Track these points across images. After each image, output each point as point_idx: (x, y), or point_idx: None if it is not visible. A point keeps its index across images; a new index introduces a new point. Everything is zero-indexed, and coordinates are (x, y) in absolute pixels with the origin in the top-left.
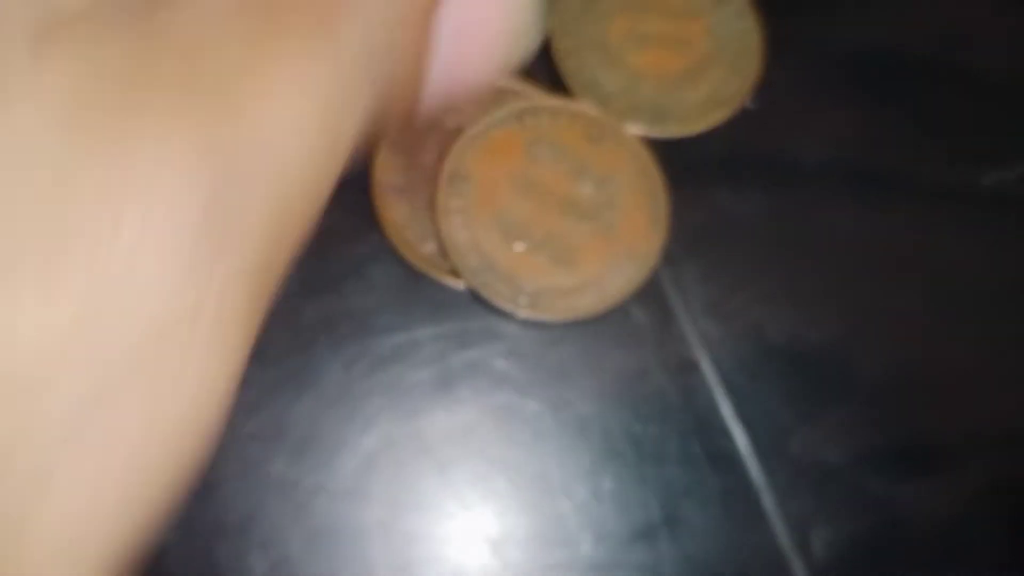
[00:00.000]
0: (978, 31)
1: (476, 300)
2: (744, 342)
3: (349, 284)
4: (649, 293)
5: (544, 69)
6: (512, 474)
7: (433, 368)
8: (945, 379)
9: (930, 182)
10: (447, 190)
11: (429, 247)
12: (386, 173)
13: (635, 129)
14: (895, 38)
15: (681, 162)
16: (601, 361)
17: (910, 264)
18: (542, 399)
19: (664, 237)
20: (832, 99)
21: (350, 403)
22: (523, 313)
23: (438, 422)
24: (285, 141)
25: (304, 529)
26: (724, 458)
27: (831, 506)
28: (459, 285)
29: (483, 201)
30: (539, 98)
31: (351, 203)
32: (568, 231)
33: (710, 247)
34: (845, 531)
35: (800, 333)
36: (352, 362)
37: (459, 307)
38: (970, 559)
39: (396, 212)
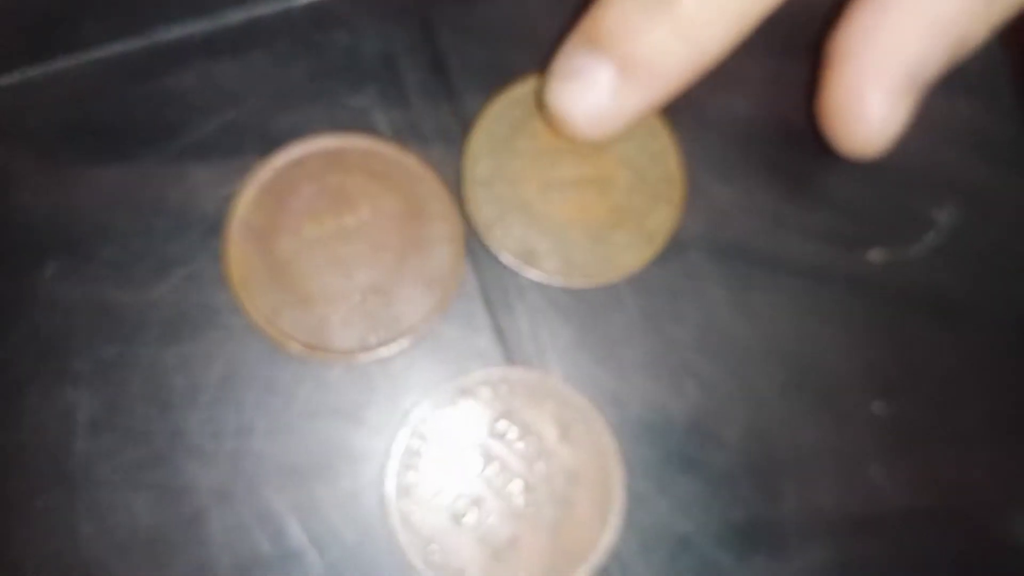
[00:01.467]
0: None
1: None
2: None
3: None
4: None
5: (473, 243)
6: None
7: None
8: (799, 459)
9: (811, 262)
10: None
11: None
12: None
13: (574, 282)
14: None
15: None
16: None
17: (777, 344)
18: None
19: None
20: (715, 172)
21: None
22: None
23: None
24: None
25: None
26: None
27: None
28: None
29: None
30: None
31: None
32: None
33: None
34: None
35: (661, 404)
36: None
37: None
38: None
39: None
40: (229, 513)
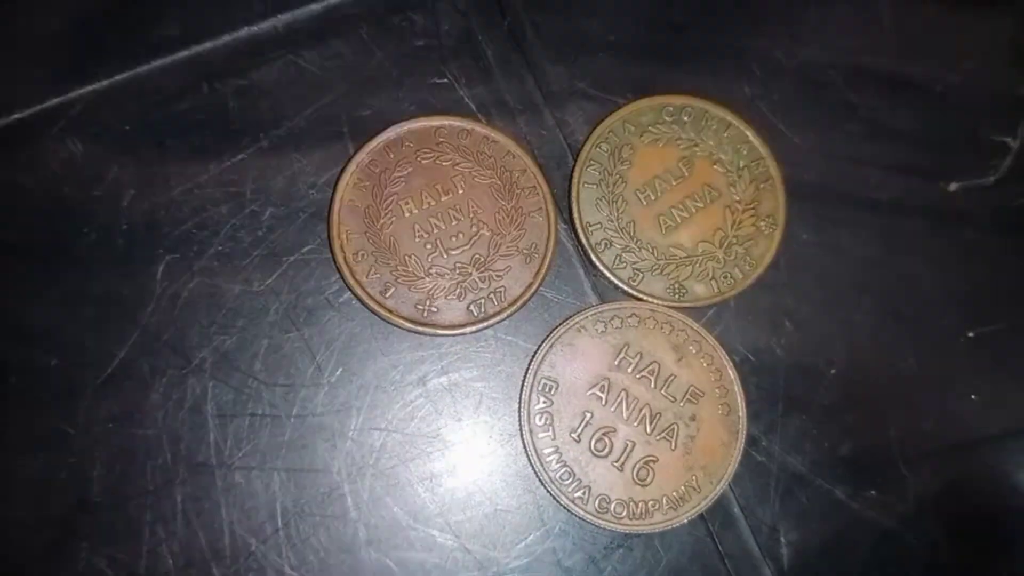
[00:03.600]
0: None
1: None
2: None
3: None
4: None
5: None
6: None
7: None
8: (900, 388)
9: (892, 196)
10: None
11: None
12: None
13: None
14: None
15: None
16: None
17: (866, 278)
18: None
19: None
20: (792, 119)
21: None
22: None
23: None
24: None
25: None
26: None
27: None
28: None
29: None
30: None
31: None
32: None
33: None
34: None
35: (762, 346)
36: None
37: None
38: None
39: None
40: (362, 488)
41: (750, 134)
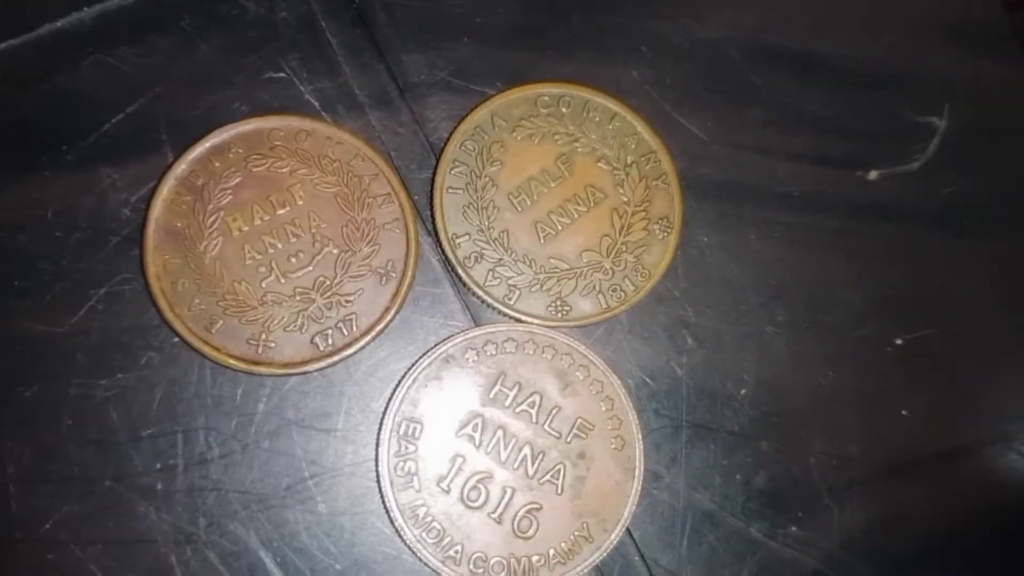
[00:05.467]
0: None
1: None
2: None
3: None
4: None
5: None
6: None
7: None
8: (820, 407)
9: (803, 189)
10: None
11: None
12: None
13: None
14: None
15: None
16: None
17: (777, 284)
18: None
19: None
20: (688, 106)
21: None
22: None
23: None
24: None
25: None
26: None
27: None
28: None
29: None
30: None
31: None
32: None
33: None
34: None
35: (660, 368)
36: None
37: None
38: None
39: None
40: (194, 558)
41: (639, 125)
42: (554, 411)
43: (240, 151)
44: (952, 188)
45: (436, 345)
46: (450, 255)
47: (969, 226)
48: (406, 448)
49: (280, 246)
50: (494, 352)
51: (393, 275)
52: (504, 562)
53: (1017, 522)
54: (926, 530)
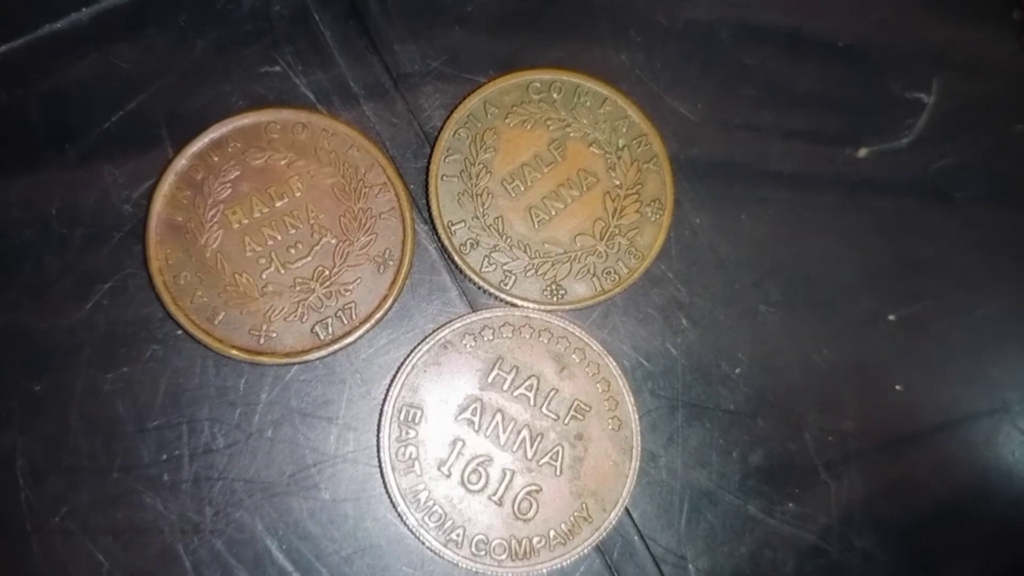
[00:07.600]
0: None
1: None
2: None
3: None
4: None
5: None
6: None
7: None
8: (814, 383)
9: (795, 167)
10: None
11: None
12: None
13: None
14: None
15: None
16: None
17: (770, 261)
18: None
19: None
20: (679, 88)
21: None
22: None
23: None
24: None
25: None
26: None
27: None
28: None
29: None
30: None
31: None
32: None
33: None
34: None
35: (655, 349)
36: None
37: None
38: None
39: None
40: (201, 547)
41: (630, 109)
42: (551, 394)
43: (238, 145)
44: (943, 162)
45: (434, 331)
46: (446, 242)
47: (961, 199)
48: (407, 433)
49: (279, 237)
50: (491, 337)
51: (391, 263)
52: (505, 544)
53: (1014, 493)
54: (923, 503)
